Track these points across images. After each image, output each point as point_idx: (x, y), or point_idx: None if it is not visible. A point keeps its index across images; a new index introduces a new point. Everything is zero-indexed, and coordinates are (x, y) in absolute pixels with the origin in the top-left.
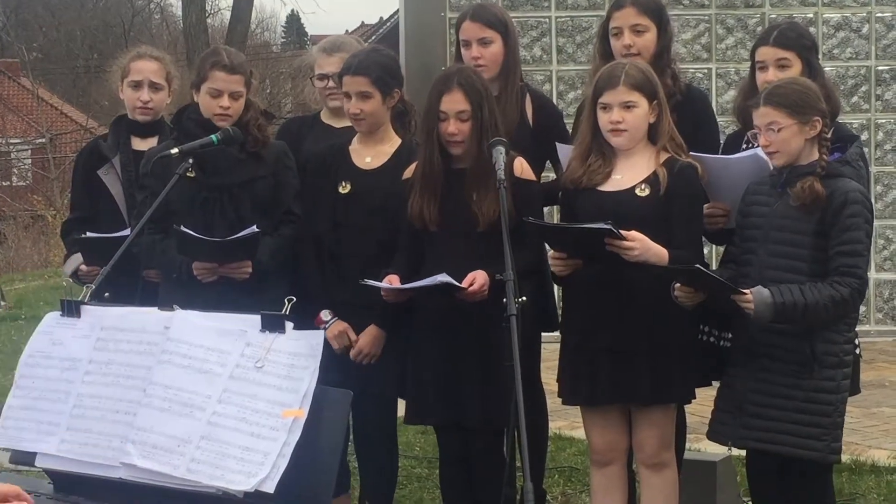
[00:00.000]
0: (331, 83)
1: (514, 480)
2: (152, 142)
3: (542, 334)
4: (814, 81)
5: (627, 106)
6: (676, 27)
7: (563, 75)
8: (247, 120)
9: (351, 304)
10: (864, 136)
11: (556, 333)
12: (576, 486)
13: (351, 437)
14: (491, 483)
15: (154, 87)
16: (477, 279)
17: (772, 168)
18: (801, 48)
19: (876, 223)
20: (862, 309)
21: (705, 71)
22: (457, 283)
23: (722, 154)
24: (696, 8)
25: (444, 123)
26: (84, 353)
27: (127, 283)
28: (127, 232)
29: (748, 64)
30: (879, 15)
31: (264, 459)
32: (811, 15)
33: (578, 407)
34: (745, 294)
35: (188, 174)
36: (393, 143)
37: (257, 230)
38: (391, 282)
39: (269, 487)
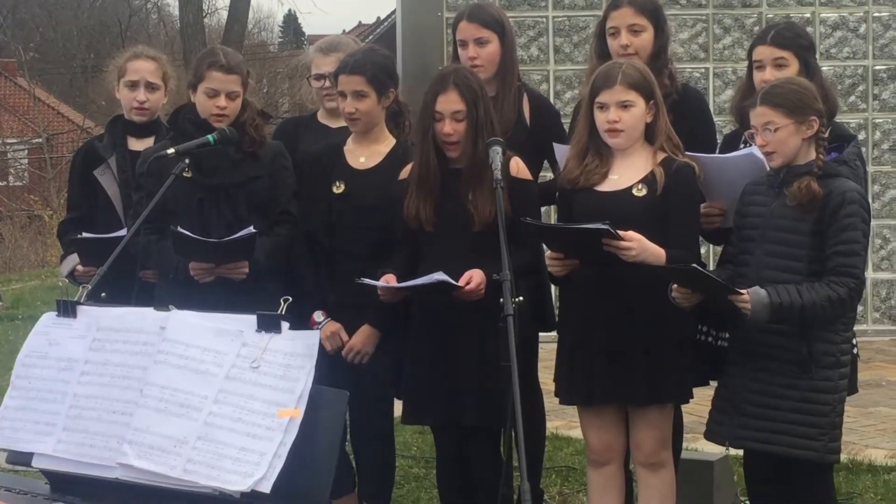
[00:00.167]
0: (327, 83)
1: (511, 480)
2: (148, 142)
3: (540, 334)
4: (811, 81)
5: (624, 105)
6: (673, 27)
7: (561, 75)
8: (243, 120)
9: (345, 304)
10: (861, 136)
11: (554, 333)
12: (573, 486)
13: (349, 437)
14: (488, 483)
15: (150, 86)
16: (474, 278)
17: (768, 167)
18: (799, 48)
19: (873, 223)
20: (859, 308)
21: (702, 70)
22: (453, 282)
23: (720, 154)
24: (694, 7)
25: (439, 124)
26: (80, 354)
27: (123, 284)
28: (123, 232)
29: (745, 63)
30: (877, 14)
31: (260, 459)
32: (808, 14)
33: (575, 407)
34: (742, 294)
35: (185, 174)
36: (387, 143)
37: (254, 231)
38: (388, 281)
39: (266, 487)
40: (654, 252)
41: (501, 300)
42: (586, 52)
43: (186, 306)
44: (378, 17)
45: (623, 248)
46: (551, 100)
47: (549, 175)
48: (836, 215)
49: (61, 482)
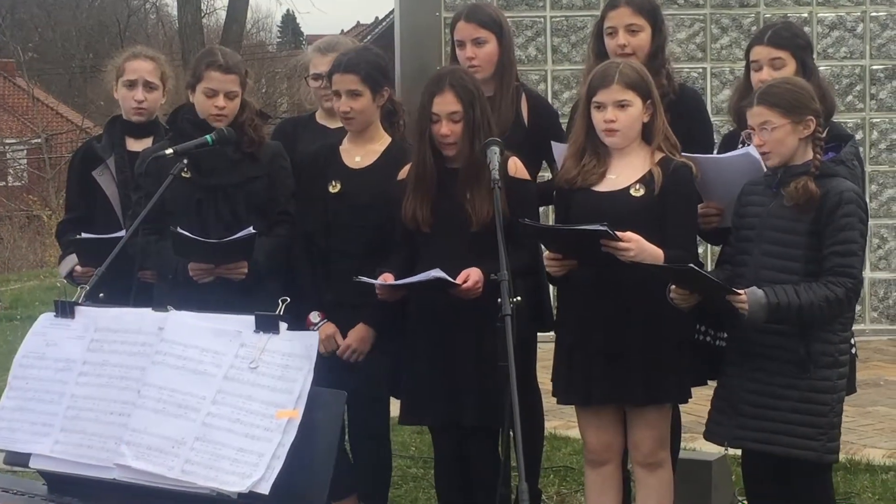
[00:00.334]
0: (326, 83)
1: (510, 480)
2: (147, 142)
3: (538, 334)
4: (808, 81)
5: (621, 105)
6: (671, 27)
7: (559, 75)
8: (242, 120)
9: (341, 303)
10: (858, 136)
11: (552, 333)
12: (571, 486)
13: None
14: (486, 483)
15: (149, 86)
16: (471, 276)
17: (764, 167)
18: (796, 47)
19: (870, 222)
20: (857, 308)
21: (700, 70)
22: (451, 280)
23: (718, 154)
24: (691, 7)
25: (436, 125)
26: (78, 354)
27: (122, 284)
28: (122, 233)
29: (743, 63)
30: (874, 14)
31: (259, 460)
32: (806, 14)
33: (573, 406)
34: (740, 294)
35: (183, 175)
36: (382, 141)
37: (254, 231)
38: (385, 279)
39: (264, 488)
40: (652, 252)
41: (499, 300)
42: (584, 52)
43: (185, 307)
44: (376, 17)
45: (621, 249)
46: (549, 100)
47: (548, 175)
48: (834, 215)
49: (59, 483)
